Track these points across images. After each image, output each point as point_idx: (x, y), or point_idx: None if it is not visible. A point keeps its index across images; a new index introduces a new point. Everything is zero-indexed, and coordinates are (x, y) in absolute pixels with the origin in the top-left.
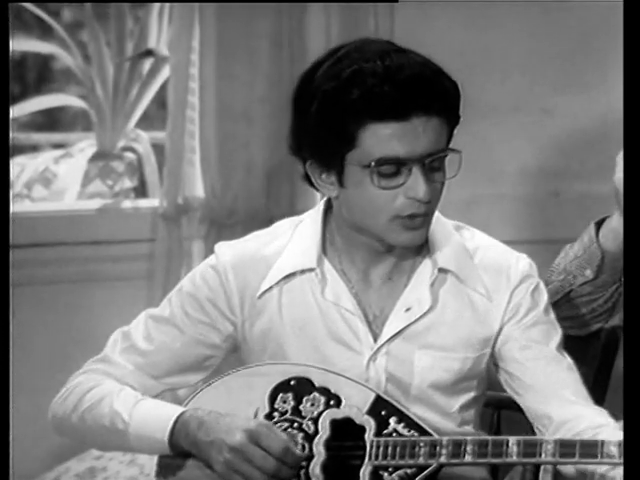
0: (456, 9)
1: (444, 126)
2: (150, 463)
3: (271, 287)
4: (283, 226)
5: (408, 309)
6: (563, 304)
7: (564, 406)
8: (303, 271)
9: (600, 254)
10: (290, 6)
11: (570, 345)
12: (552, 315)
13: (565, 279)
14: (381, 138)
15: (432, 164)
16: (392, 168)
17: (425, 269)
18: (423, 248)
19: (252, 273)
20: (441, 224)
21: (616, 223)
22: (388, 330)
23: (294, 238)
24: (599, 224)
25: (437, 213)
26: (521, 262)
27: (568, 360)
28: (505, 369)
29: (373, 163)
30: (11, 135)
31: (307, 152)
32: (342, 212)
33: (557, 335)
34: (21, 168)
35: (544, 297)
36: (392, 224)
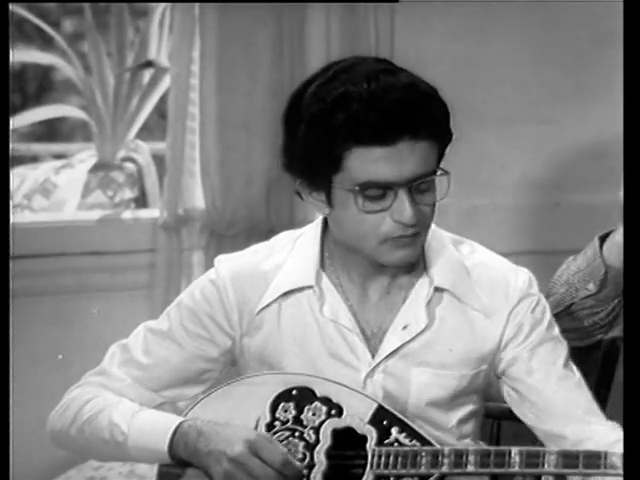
0: (456, 10)
1: (432, 148)
2: (150, 473)
3: (269, 304)
4: (283, 240)
5: (405, 327)
6: (564, 316)
7: (578, 425)
8: (301, 288)
9: (603, 268)
10: (290, 15)
11: (570, 355)
12: (556, 330)
13: (567, 292)
14: (366, 162)
15: (420, 186)
16: (378, 191)
17: (422, 287)
18: (420, 264)
19: (251, 288)
20: (438, 239)
21: (620, 237)
22: (385, 348)
23: (293, 253)
24: (603, 238)
25: (434, 227)
26: (520, 278)
27: (577, 376)
28: (512, 387)
29: (358, 187)
30: (11, 146)
31: (296, 172)
32: (335, 231)
33: (563, 351)
34: (21, 179)
35: (546, 313)
36: (382, 246)
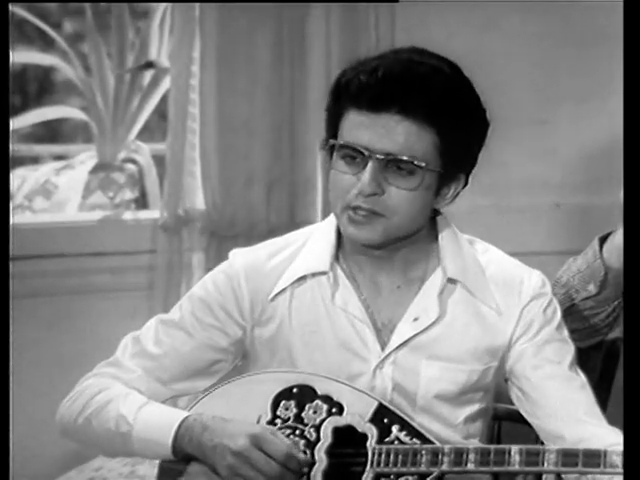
0: (456, 10)
1: (425, 134)
2: (151, 474)
3: (284, 289)
4: (297, 235)
5: (416, 319)
6: (564, 317)
7: (577, 426)
8: (315, 274)
9: (603, 270)
10: (290, 15)
11: None
12: (565, 332)
13: (567, 293)
14: (353, 124)
15: (395, 166)
16: (351, 154)
17: (435, 279)
18: (434, 258)
19: (264, 279)
20: (454, 236)
21: (620, 238)
22: (395, 339)
23: (308, 243)
24: (603, 239)
25: (450, 224)
26: (534, 278)
27: (581, 378)
28: (518, 386)
29: (337, 145)
30: (12, 147)
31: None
32: None
33: (570, 353)
34: (22, 180)
35: (557, 314)
36: (343, 215)
